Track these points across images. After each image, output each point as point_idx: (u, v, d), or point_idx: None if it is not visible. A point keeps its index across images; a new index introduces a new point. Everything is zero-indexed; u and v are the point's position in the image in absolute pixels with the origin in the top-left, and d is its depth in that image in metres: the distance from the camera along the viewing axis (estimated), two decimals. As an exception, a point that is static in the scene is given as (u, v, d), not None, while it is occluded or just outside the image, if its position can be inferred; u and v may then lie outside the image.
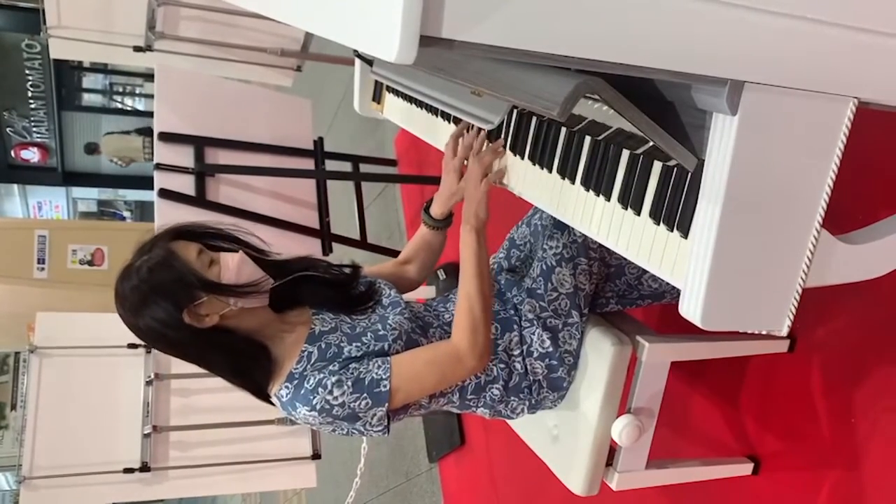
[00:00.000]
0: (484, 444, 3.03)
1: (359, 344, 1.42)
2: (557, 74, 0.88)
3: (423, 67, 1.15)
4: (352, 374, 1.36)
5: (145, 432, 2.89)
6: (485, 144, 1.57)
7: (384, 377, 1.36)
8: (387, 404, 1.36)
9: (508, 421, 1.68)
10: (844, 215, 1.22)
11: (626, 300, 1.72)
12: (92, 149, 9.47)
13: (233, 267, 1.35)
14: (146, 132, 8.61)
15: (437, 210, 1.65)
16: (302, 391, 1.36)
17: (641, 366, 1.56)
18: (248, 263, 1.38)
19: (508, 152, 1.51)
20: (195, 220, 1.44)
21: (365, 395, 1.35)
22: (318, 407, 1.34)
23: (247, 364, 1.40)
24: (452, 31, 0.71)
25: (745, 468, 1.83)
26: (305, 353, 1.40)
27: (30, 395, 2.87)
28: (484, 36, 0.72)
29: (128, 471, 2.85)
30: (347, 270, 1.56)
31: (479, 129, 1.57)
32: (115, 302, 1.34)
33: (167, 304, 1.30)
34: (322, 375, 1.36)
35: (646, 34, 0.78)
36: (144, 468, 2.86)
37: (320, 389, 1.34)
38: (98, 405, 2.91)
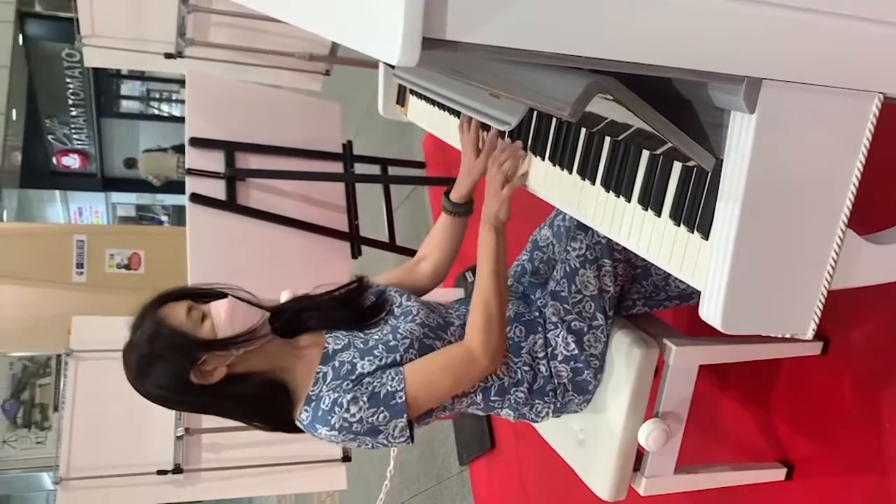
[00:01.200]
0: (514, 447, 3.00)
1: (371, 358, 1.41)
2: (570, 75, 0.87)
3: (438, 69, 1.14)
4: (366, 388, 1.35)
5: (178, 434, 2.93)
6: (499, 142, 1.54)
7: (399, 388, 1.36)
8: (405, 414, 1.36)
9: (534, 424, 1.66)
10: (871, 214, 1.18)
11: (652, 301, 1.69)
12: (131, 164, 9.68)
13: (224, 315, 1.35)
14: (181, 149, 8.78)
15: (456, 193, 1.62)
16: (320, 412, 1.36)
17: (669, 369, 1.53)
18: (238, 306, 1.38)
19: (528, 153, 1.49)
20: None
21: (382, 408, 1.35)
22: (337, 426, 1.34)
23: (266, 407, 1.41)
24: (456, 32, 0.70)
25: (779, 473, 1.78)
26: (321, 374, 1.40)
27: (66, 398, 2.93)
28: (489, 37, 0.71)
29: (161, 472, 2.89)
30: (350, 288, 1.55)
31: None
32: (126, 376, 1.37)
33: (171, 371, 1.33)
34: (337, 395, 1.35)
35: (657, 32, 0.76)
36: (177, 470, 2.90)
37: (336, 409, 1.34)
38: (132, 408, 2.93)
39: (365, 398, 1.34)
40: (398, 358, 1.40)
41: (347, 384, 1.37)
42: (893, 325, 1.59)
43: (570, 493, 2.58)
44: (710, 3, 0.78)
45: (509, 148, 1.50)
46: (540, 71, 0.89)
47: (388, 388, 1.36)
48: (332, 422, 1.34)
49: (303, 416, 1.39)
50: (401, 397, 1.35)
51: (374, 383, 1.36)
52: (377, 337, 1.46)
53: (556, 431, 1.73)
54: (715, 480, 1.75)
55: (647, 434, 1.51)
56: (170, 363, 1.33)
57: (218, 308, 1.37)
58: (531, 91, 0.89)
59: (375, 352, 1.42)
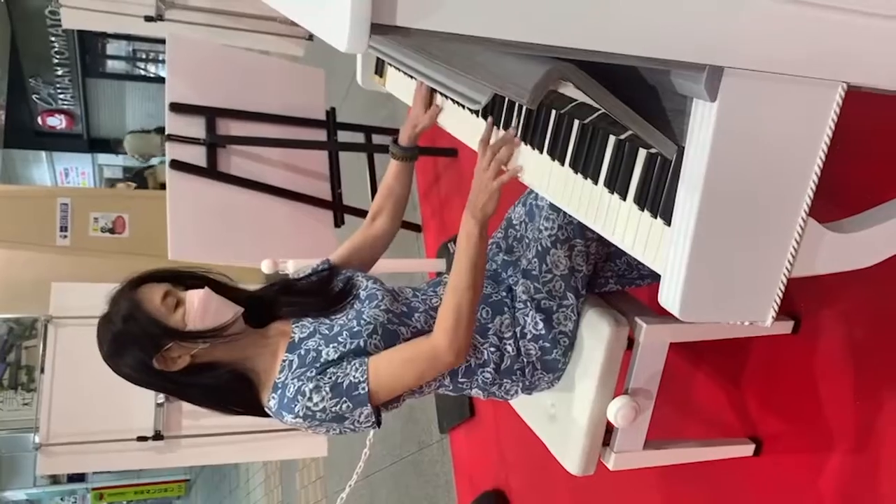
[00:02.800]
0: (493, 416, 3.03)
1: (335, 344, 1.41)
2: (531, 60, 0.85)
3: (405, 47, 1.12)
4: (329, 378, 1.36)
5: (158, 401, 2.95)
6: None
7: (362, 379, 1.36)
8: (369, 404, 1.36)
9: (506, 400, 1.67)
10: (834, 202, 1.18)
11: (625, 279, 1.69)
12: (116, 146, 9.70)
13: (197, 306, 1.37)
14: (163, 131, 8.81)
15: (403, 138, 1.70)
16: (285, 400, 1.37)
17: (639, 347, 1.54)
18: (213, 300, 1.39)
19: (501, 131, 1.46)
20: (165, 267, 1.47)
21: (344, 398, 1.35)
22: (301, 414, 1.36)
23: (225, 397, 1.44)
24: (407, 19, 0.69)
25: (747, 449, 1.81)
26: (286, 362, 1.41)
27: (46, 364, 2.93)
28: (440, 24, 0.69)
29: (141, 439, 2.91)
30: (321, 274, 1.56)
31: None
32: (100, 351, 1.39)
33: (137, 352, 1.34)
34: (300, 383, 1.36)
35: (610, 17, 0.74)
36: (158, 436, 2.92)
37: (300, 397, 1.35)
38: (112, 374, 2.96)
39: (327, 388, 1.35)
40: (362, 344, 1.40)
41: (311, 372, 1.37)
42: (863, 305, 1.60)
43: (548, 461, 2.61)
44: (670, -9, 0.76)
45: (503, 136, 1.44)
46: (501, 55, 0.87)
47: (351, 378, 1.36)
48: (296, 409, 1.35)
49: (271, 402, 1.40)
50: (363, 388, 1.35)
51: (338, 373, 1.37)
52: (341, 322, 1.46)
53: (528, 406, 1.74)
54: (684, 456, 1.77)
55: (616, 410, 1.52)
56: (137, 346, 1.35)
57: (192, 298, 1.38)
58: (492, 75, 0.88)
59: (339, 338, 1.42)
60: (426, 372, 1.41)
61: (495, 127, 1.48)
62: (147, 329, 1.34)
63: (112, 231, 5.26)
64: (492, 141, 1.47)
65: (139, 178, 8.82)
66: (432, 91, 1.65)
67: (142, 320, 1.34)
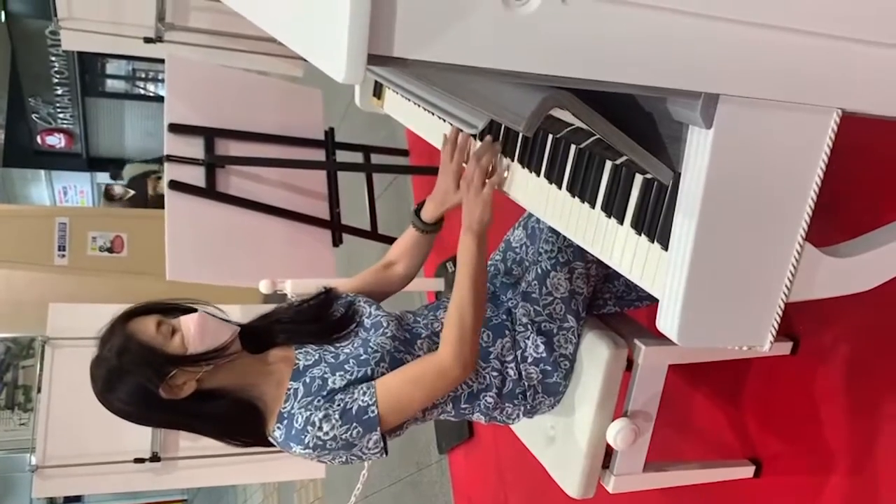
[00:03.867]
0: (492, 437, 3.02)
1: (342, 373, 1.39)
2: (527, 87, 0.86)
3: (403, 73, 1.13)
4: (338, 405, 1.34)
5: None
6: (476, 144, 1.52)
7: (371, 402, 1.34)
8: (379, 428, 1.34)
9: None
10: (831, 226, 1.19)
11: (624, 301, 1.69)
12: (116, 175, 9.65)
13: (194, 329, 1.35)
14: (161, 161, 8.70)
15: (428, 214, 1.60)
16: (293, 431, 1.35)
17: (638, 369, 1.54)
18: (209, 321, 1.38)
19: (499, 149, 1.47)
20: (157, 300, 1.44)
21: (355, 423, 1.33)
22: (311, 445, 1.33)
23: (234, 425, 1.41)
24: (405, 50, 0.69)
25: (747, 471, 1.80)
26: (291, 390, 1.39)
27: (43, 385, 2.91)
28: (437, 54, 0.70)
29: (139, 461, 2.88)
30: (318, 300, 1.54)
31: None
32: (93, 390, 1.36)
33: (139, 385, 1.31)
34: (309, 412, 1.34)
35: (605, 45, 0.75)
36: (155, 458, 2.90)
37: (309, 427, 1.33)
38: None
39: (337, 415, 1.33)
40: (369, 372, 1.39)
41: (318, 401, 1.35)
42: (862, 326, 1.60)
43: (547, 483, 2.59)
44: (664, 19, 0.76)
45: (484, 144, 1.46)
46: (498, 82, 0.88)
47: (360, 402, 1.34)
48: (307, 441, 1.33)
49: (276, 433, 1.38)
50: (373, 412, 1.34)
51: (346, 399, 1.35)
52: (348, 351, 1.44)
53: (528, 428, 1.73)
54: (684, 478, 1.76)
55: (616, 433, 1.52)
56: (138, 377, 1.31)
57: (188, 322, 1.36)
58: (489, 101, 0.88)
59: (346, 366, 1.40)
60: (434, 390, 1.40)
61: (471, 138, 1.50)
62: (148, 359, 1.31)
63: (110, 250, 5.25)
64: (472, 150, 1.48)
65: (138, 183, 8.49)
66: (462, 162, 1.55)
67: (139, 350, 1.31)
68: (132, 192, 8.08)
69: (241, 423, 1.40)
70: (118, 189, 8.42)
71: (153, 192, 7.99)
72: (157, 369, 1.31)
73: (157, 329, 1.34)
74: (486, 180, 1.42)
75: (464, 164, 1.59)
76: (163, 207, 2.87)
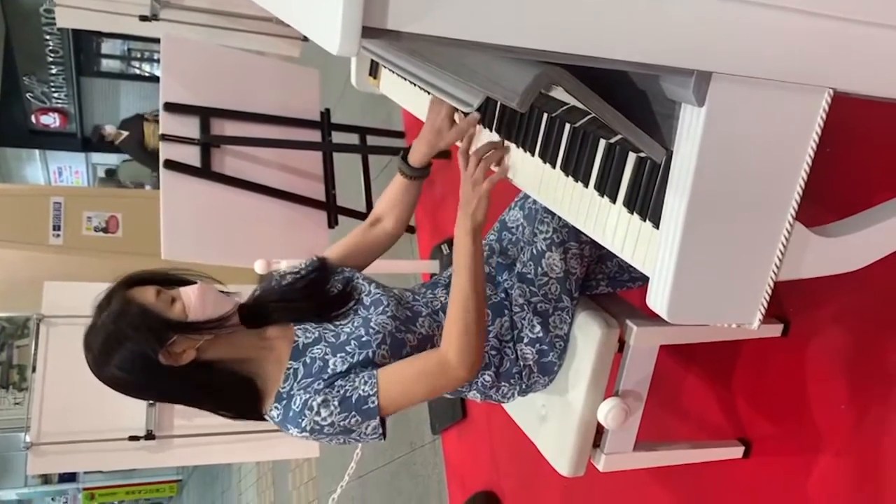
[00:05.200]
0: (485, 418, 3.04)
1: (343, 354, 1.37)
2: (521, 63, 0.86)
3: (398, 49, 1.13)
4: (338, 392, 1.32)
5: (150, 401, 2.94)
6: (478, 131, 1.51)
7: (371, 393, 1.32)
8: (378, 417, 1.33)
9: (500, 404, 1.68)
10: (822, 207, 1.19)
11: (616, 282, 1.70)
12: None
13: (196, 298, 1.33)
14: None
15: (417, 157, 1.55)
16: (290, 413, 1.34)
17: (629, 349, 1.55)
18: (209, 291, 1.37)
19: (492, 133, 1.47)
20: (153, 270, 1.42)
21: (353, 412, 1.32)
22: (307, 428, 1.32)
23: (231, 399, 1.39)
24: (398, 22, 0.69)
25: (736, 451, 1.82)
26: (291, 370, 1.38)
27: (38, 363, 2.92)
28: (431, 27, 0.70)
29: (133, 438, 2.90)
30: (311, 276, 1.51)
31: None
32: (87, 360, 1.32)
33: (139, 351, 1.28)
34: (308, 396, 1.32)
35: (599, 21, 0.75)
36: (150, 436, 2.92)
37: (307, 412, 1.32)
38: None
39: (336, 402, 1.31)
40: (370, 354, 1.37)
41: (319, 384, 1.34)
42: (852, 308, 1.62)
43: (539, 462, 2.62)
44: (658, -4, 0.77)
45: (490, 141, 1.44)
46: (492, 58, 0.88)
47: (361, 392, 1.32)
48: (303, 424, 1.32)
49: (273, 412, 1.37)
50: (373, 402, 1.32)
51: (346, 386, 1.33)
52: (348, 330, 1.43)
53: (520, 407, 1.75)
54: (674, 458, 1.78)
55: (607, 412, 1.53)
56: (138, 343, 1.28)
57: (189, 292, 1.35)
58: (483, 78, 0.89)
59: (347, 347, 1.39)
60: (437, 387, 1.38)
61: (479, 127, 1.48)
62: (148, 324, 1.28)
63: (105, 230, 5.25)
64: (474, 147, 1.45)
65: (132, 124, 7.91)
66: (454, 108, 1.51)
67: (139, 316, 1.29)
68: (125, 133, 7.56)
69: (238, 396, 1.38)
70: (109, 129, 7.97)
71: (151, 139, 7.35)
72: (158, 334, 1.28)
73: (157, 297, 1.32)
74: (487, 178, 1.39)
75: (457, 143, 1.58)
76: (158, 162, 2.86)
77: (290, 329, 1.45)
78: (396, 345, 1.41)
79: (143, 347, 1.28)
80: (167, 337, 1.29)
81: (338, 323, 1.45)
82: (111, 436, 2.89)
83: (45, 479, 11.97)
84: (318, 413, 1.31)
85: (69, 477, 12.10)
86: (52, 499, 13.30)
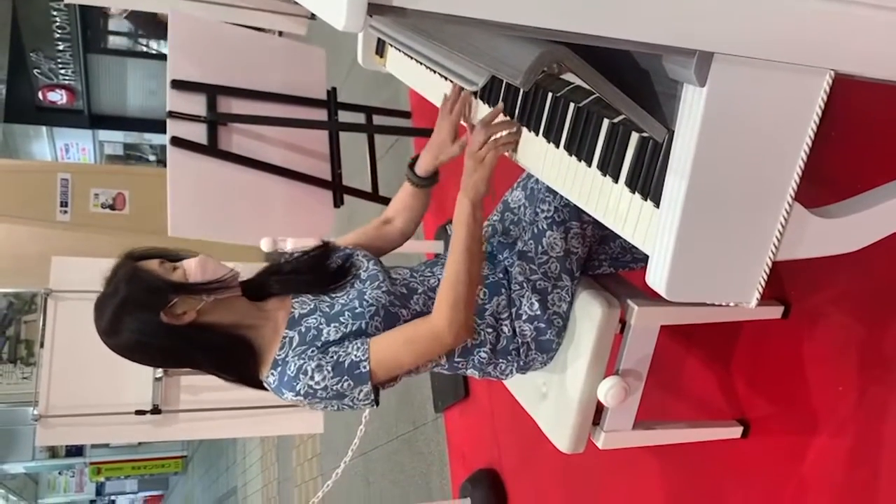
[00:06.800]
0: (487, 396, 3.07)
1: (337, 324, 1.43)
2: (525, 42, 0.87)
3: (404, 27, 1.14)
4: (331, 357, 1.39)
5: (157, 376, 2.97)
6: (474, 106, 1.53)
7: (363, 358, 1.38)
8: (369, 382, 1.39)
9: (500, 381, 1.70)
10: (822, 188, 1.20)
11: (619, 263, 1.71)
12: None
13: (196, 267, 1.42)
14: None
15: (423, 167, 1.62)
16: (285, 378, 1.40)
17: (630, 328, 1.56)
18: (210, 261, 1.45)
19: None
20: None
21: (346, 377, 1.38)
22: (301, 392, 1.38)
23: (229, 359, 1.45)
24: (404, -1, 0.70)
25: (735, 431, 1.84)
26: (287, 338, 1.44)
27: (46, 337, 2.95)
28: (436, 4, 0.71)
29: (139, 413, 2.94)
30: (316, 252, 1.57)
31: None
32: (97, 329, 1.41)
33: (144, 312, 1.37)
34: (302, 361, 1.39)
35: (605, 2, 0.76)
36: (156, 410, 2.95)
37: (301, 375, 1.38)
38: (112, 348, 2.99)
39: (329, 367, 1.38)
40: (363, 325, 1.43)
41: (312, 351, 1.40)
42: (853, 291, 1.63)
43: (539, 440, 2.65)
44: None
45: (503, 121, 1.44)
46: (496, 36, 0.89)
47: (353, 357, 1.39)
48: (298, 388, 1.38)
49: (270, 378, 1.43)
50: (364, 367, 1.38)
51: (339, 352, 1.39)
52: (343, 302, 1.48)
53: (521, 385, 1.77)
54: (672, 437, 1.80)
55: (607, 390, 1.55)
56: (144, 305, 1.37)
57: (190, 262, 1.44)
58: (487, 56, 0.89)
59: (341, 318, 1.44)
60: (425, 353, 1.44)
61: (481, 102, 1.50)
62: (152, 286, 1.37)
63: (112, 207, 5.28)
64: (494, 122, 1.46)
65: None
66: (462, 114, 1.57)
67: (145, 279, 1.38)
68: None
69: (237, 357, 1.44)
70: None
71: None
72: (161, 296, 1.37)
73: (160, 265, 1.42)
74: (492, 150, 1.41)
75: (463, 123, 1.60)
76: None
77: (288, 301, 1.51)
78: (390, 318, 1.46)
79: (148, 309, 1.37)
80: (169, 298, 1.38)
81: (333, 295, 1.51)
82: (118, 410, 2.93)
83: (53, 453, 12.10)
84: (311, 377, 1.37)
85: (76, 451, 12.24)
86: (60, 472, 13.45)
